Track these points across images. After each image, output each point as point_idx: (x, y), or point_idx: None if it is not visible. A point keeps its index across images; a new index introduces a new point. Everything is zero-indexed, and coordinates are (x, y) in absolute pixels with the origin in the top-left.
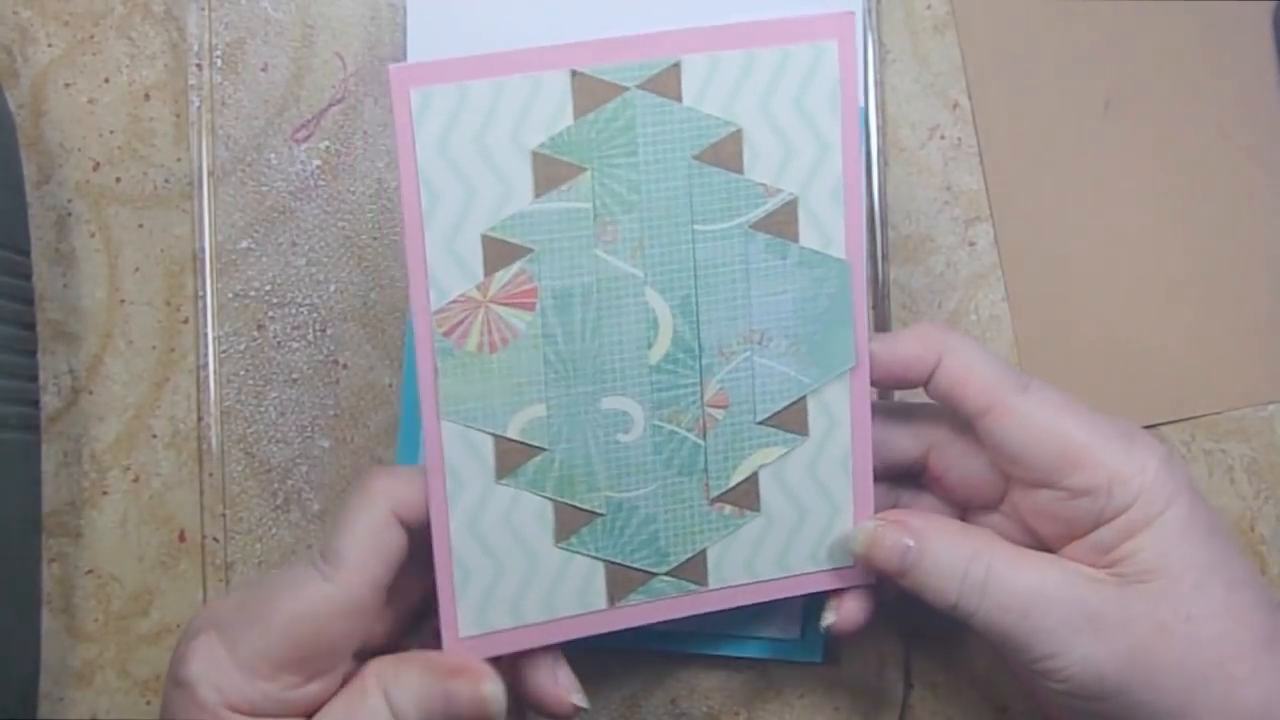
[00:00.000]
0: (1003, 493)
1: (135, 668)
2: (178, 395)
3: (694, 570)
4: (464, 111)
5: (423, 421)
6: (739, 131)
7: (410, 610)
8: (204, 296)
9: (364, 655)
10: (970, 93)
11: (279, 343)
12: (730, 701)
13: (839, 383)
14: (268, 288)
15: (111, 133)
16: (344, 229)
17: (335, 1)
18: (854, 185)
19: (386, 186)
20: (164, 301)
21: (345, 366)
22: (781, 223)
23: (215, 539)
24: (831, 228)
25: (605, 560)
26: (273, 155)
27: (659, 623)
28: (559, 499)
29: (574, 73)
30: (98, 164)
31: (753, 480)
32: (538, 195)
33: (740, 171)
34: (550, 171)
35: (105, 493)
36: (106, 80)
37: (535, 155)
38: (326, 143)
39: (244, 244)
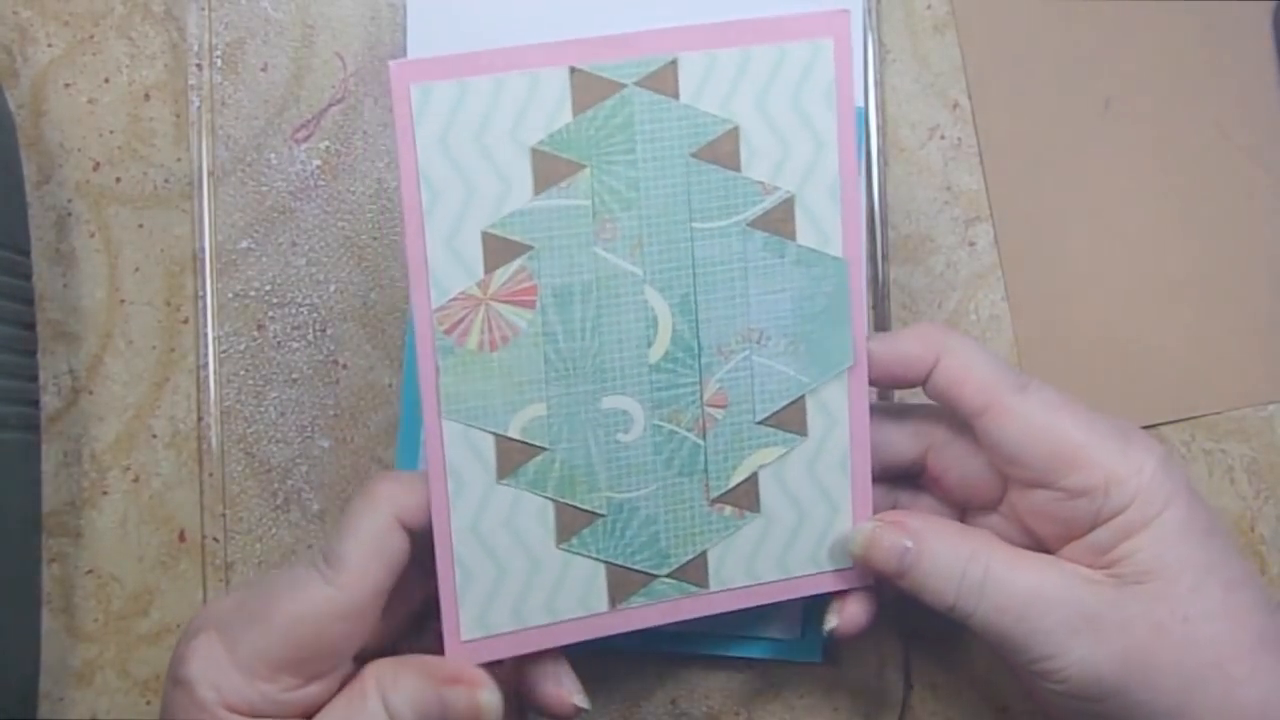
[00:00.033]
0: (1001, 493)
1: (135, 668)
2: (178, 395)
3: (695, 572)
4: (464, 108)
5: (424, 421)
6: (736, 129)
7: (411, 613)
8: (204, 296)
9: (364, 657)
10: (970, 93)
11: (279, 343)
12: (730, 701)
13: (837, 382)
14: (268, 288)
15: (111, 133)
16: (344, 229)
17: (335, 1)
18: (851, 184)
19: (386, 186)
20: (164, 301)
21: (345, 366)
22: (779, 221)
23: (215, 539)
24: (829, 226)
25: (606, 562)
26: (273, 155)
27: (660, 625)
28: (560, 499)
29: (573, 69)
30: (98, 164)
31: (752, 481)
32: (537, 192)
33: (737, 169)
34: (549, 168)
35: (105, 493)
36: (106, 80)
37: (535, 152)
38: (326, 143)
39: (244, 244)
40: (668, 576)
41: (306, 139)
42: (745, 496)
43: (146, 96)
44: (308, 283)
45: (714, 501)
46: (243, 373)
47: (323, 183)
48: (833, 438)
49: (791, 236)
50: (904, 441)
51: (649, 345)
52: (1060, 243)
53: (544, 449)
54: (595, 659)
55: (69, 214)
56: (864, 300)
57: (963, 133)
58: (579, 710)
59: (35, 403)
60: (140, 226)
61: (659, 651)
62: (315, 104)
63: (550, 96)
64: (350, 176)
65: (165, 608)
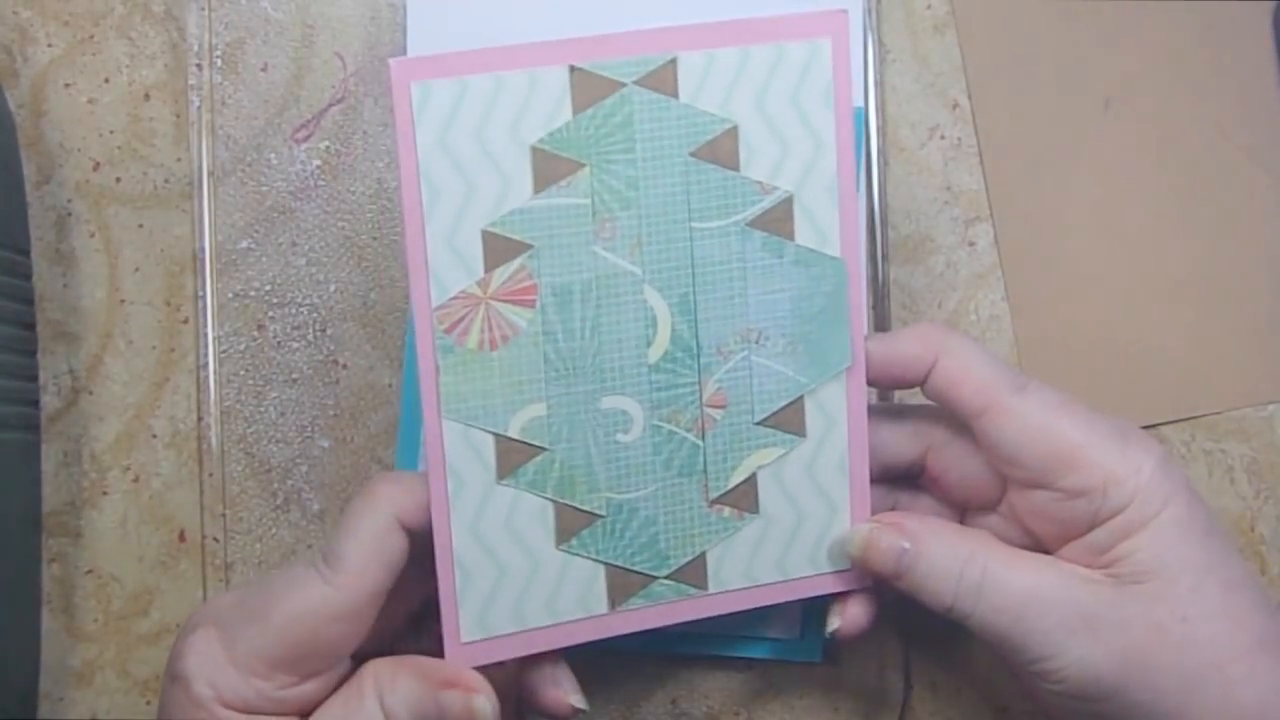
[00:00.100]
0: (1001, 493)
1: (135, 668)
2: (178, 395)
3: (694, 574)
4: (464, 106)
5: (424, 420)
6: (735, 128)
7: (410, 613)
8: (204, 296)
9: (363, 656)
10: (970, 93)
11: (279, 343)
12: (730, 701)
13: (835, 383)
14: (268, 288)
15: (111, 133)
16: (344, 229)
17: (335, 1)
18: (849, 184)
19: (386, 186)
20: (164, 301)
21: (345, 366)
22: (777, 220)
23: (215, 539)
24: (827, 226)
25: (606, 563)
26: (273, 155)
27: (659, 626)
28: (560, 500)
29: (572, 68)
30: (98, 164)
31: (751, 482)
32: (537, 191)
33: (736, 169)
34: (549, 167)
35: (105, 493)
36: (106, 80)
37: (534, 150)
38: (326, 143)
39: (244, 244)
40: (667, 578)
41: (306, 139)
42: (744, 497)
43: (146, 96)
44: (308, 283)
45: (713, 502)
46: (243, 373)
47: (323, 183)
48: (831, 438)
49: (790, 236)
50: (903, 442)
51: (648, 345)
52: (1060, 243)
53: (544, 449)
54: (595, 659)
55: (69, 214)
56: (863, 300)
57: (963, 133)
58: (577, 711)
59: (35, 403)
60: (140, 226)
61: (659, 652)
62: (315, 104)
63: (550, 95)
64: (350, 176)
65: (165, 608)
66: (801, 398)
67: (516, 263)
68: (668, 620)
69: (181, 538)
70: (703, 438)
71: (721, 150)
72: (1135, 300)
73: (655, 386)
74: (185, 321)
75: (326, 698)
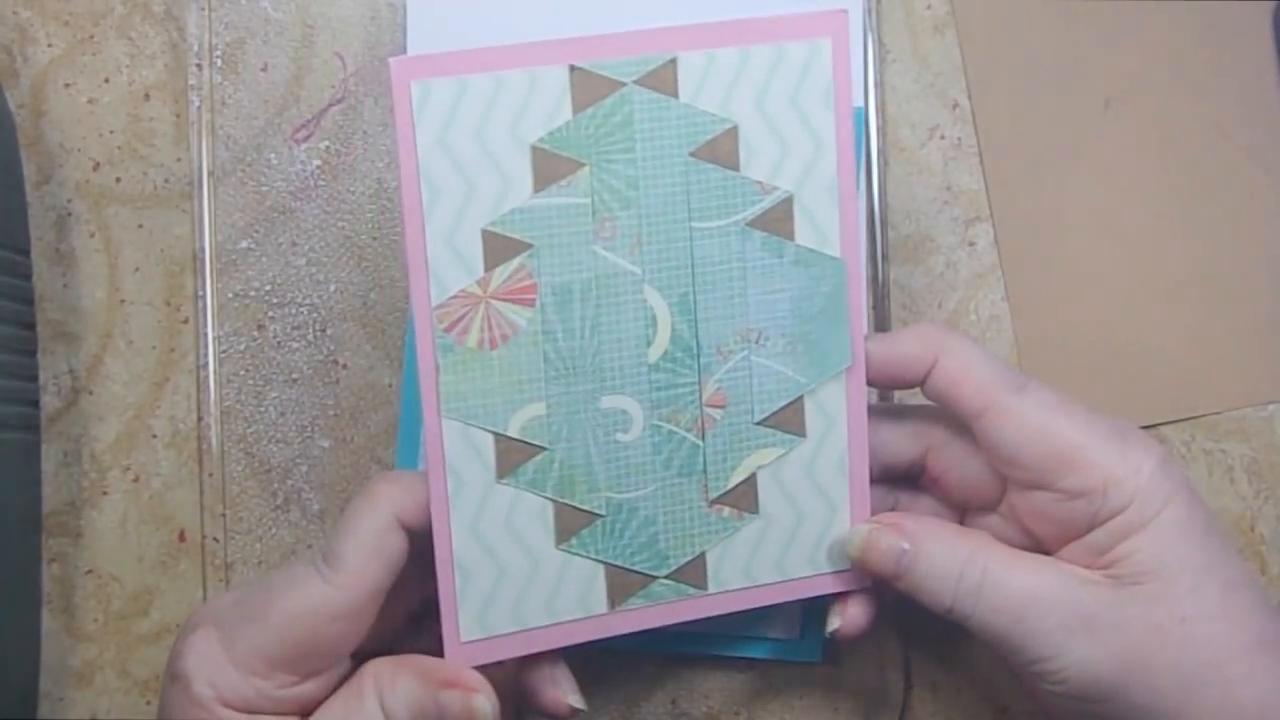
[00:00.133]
0: (1001, 494)
1: (135, 668)
2: (178, 395)
3: (693, 574)
4: (464, 105)
5: (424, 419)
6: (735, 128)
7: (410, 612)
8: (204, 296)
9: (363, 656)
10: (970, 93)
11: (279, 343)
12: (730, 701)
13: (835, 383)
14: (268, 288)
15: (111, 133)
16: (344, 229)
17: (335, 1)
18: (849, 184)
19: (386, 186)
20: (164, 301)
21: (345, 366)
22: (777, 220)
23: (215, 539)
24: (827, 226)
25: (605, 563)
26: (273, 155)
27: (658, 626)
28: (559, 499)
29: (572, 68)
30: (98, 164)
31: (751, 482)
32: (537, 190)
33: (736, 168)
34: (549, 166)
35: (105, 493)
36: (106, 80)
37: (534, 150)
38: (326, 143)
39: (244, 244)
40: (666, 578)
41: (306, 139)
42: (744, 497)
43: (146, 96)
44: (308, 283)
45: (713, 502)
46: (243, 373)
47: (323, 183)
48: (831, 438)
49: (790, 236)
50: (903, 442)
51: (648, 345)
52: (1060, 243)
53: (543, 448)
54: (595, 659)
55: (69, 214)
56: (863, 301)
57: (963, 133)
58: (575, 711)
59: (35, 403)
60: (140, 226)
61: (659, 651)
62: (315, 104)
63: (550, 94)
64: (350, 176)
65: (165, 608)
66: (801, 398)
67: (516, 262)
68: (667, 620)
69: (181, 538)
70: (702, 437)
71: (721, 150)
72: (1135, 300)
73: (655, 386)
74: (185, 321)
75: (327, 697)
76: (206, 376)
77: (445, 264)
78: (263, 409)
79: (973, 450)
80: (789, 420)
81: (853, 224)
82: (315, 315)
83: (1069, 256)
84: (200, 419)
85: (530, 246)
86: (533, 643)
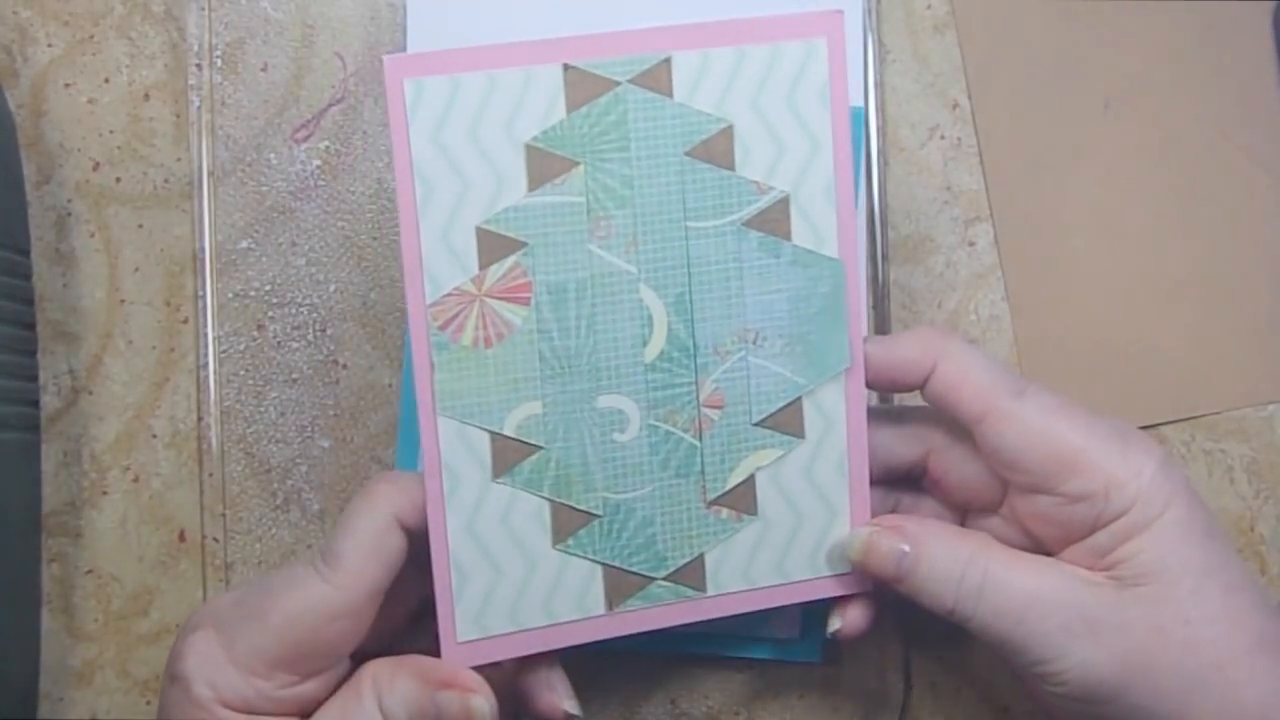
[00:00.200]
0: (1002, 496)
1: (135, 668)
2: (178, 395)
3: (692, 575)
4: (457, 103)
5: (419, 417)
6: (730, 128)
7: (410, 612)
8: (204, 296)
9: (362, 656)
10: (970, 93)
11: (279, 343)
12: (730, 701)
13: (834, 384)
14: (268, 288)
15: (111, 133)
16: (344, 229)
17: (335, 1)
18: (846, 184)
19: (386, 186)
20: (164, 301)
21: (345, 366)
22: (774, 221)
23: (215, 539)
24: (824, 227)
25: (603, 563)
26: (273, 155)
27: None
28: (556, 499)
29: (566, 66)
30: (98, 164)
31: (749, 483)
32: (531, 188)
33: (732, 168)
34: (543, 165)
35: (105, 493)
36: (106, 80)
37: (529, 148)
38: (326, 143)
39: (244, 244)
40: (665, 579)
41: (306, 139)
42: (742, 499)
43: (146, 96)
44: (308, 283)
45: (711, 504)
46: (243, 373)
47: (323, 183)
48: (830, 440)
49: (787, 237)
50: (904, 444)
51: (644, 344)
52: (1060, 243)
53: (539, 448)
54: (595, 659)
55: (69, 214)
56: (862, 302)
57: (963, 133)
58: (570, 717)
59: (35, 403)
60: (140, 226)
61: (658, 652)
62: (315, 104)
63: (544, 93)
64: (350, 176)
65: (165, 608)
66: (800, 399)
67: (511, 260)
68: (665, 622)
69: (181, 538)
70: (700, 438)
71: (717, 150)
72: (1135, 300)
73: (652, 386)
74: (185, 321)
75: (326, 698)
76: (206, 376)
77: (440, 262)
78: (263, 409)
79: (974, 453)
80: (787, 421)
81: (851, 225)
82: (315, 315)
83: (1069, 256)
84: (200, 419)
85: (525, 245)
86: (530, 643)
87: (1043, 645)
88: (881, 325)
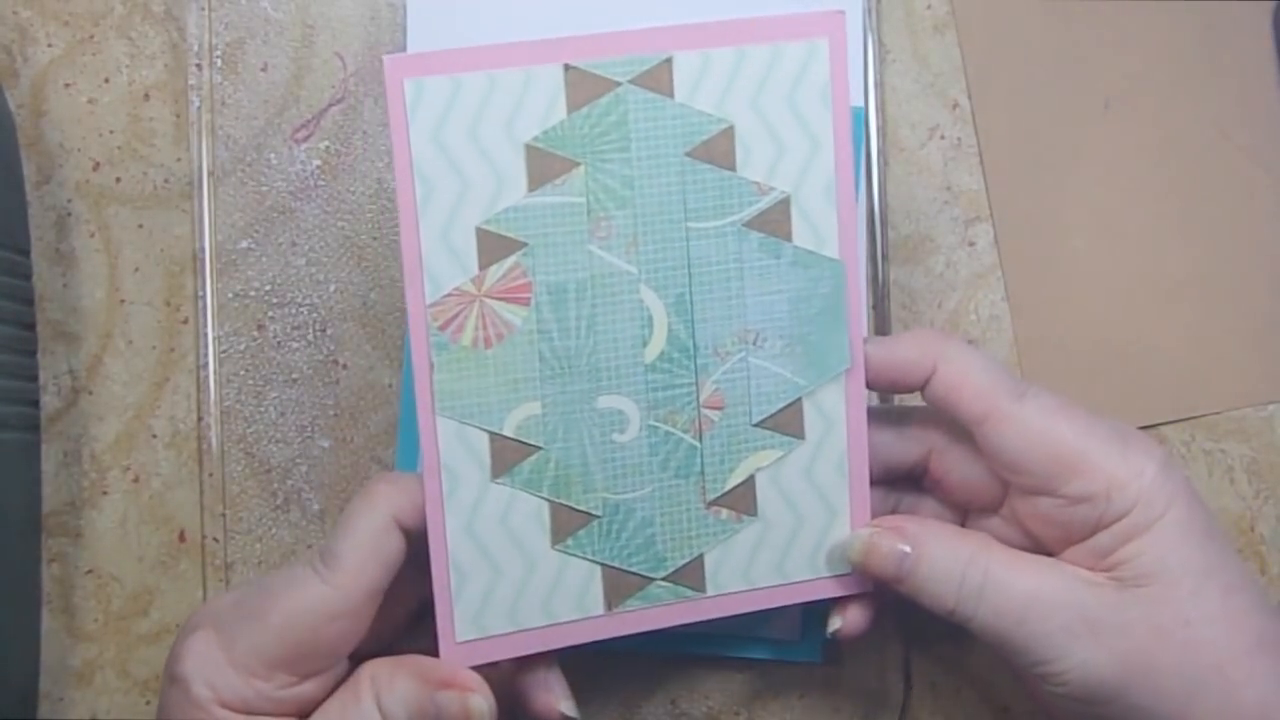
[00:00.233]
0: (1003, 496)
1: (135, 668)
2: (178, 395)
3: (691, 576)
4: (458, 103)
5: (418, 417)
6: (731, 128)
7: (409, 613)
8: (204, 296)
9: (361, 656)
10: (970, 93)
11: (279, 343)
12: (730, 701)
13: (834, 385)
14: (268, 288)
15: (111, 133)
16: (344, 229)
17: (335, 1)
18: (847, 185)
19: (386, 186)
20: (164, 301)
21: (345, 366)
22: (774, 221)
23: (215, 539)
24: (824, 227)
25: (602, 564)
26: (273, 155)
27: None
28: (555, 500)
29: (567, 67)
30: (98, 164)
31: (749, 484)
32: (531, 189)
33: (732, 169)
34: (544, 165)
35: (105, 493)
36: (106, 80)
37: (529, 148)
38: (326, 143)
39: (244, 244)
40: (664, 580)
41: (306, 139)
42: (742, 500)
43: (146, 96)
44: (308, 283)
45: (710, 504)
46: (243, 373)
47: (323, 183)
48: (830, 441)
49: (788, 237)
50: (905, 445)
51: (644, 345)
52: (1060, 243)
53: (539, 448)
54: (594, 659)
55: (69, 214)
56: (862, 302)
57: (963, 133)
58: (566, 718)
59: (35, 403)
60: (140, 226)
61: (658, 652)
62: (315, 104)
63: (544, 93)
64: (350, 176)
65: (165, 608)
66: (800, 400)
67: (511, 260)
68: (665, 623)
69: (181, 538)
70: (700, 439)
71: (717, 150)
72: (1135, 300)
73: (651, 386)
74: (185, 321)
75: (325, 698)
76: (206, 376)
77: (440, 262)
78: (263, 409)
79: (974, 453)
80: (787, 422)
81: (851, 225)
82: (315, 315)
83: (1069, 256)
84: (200, 419)
85: (525, 245)
86: (529, 644)
87: (1044, 646)
88: (881, 325)
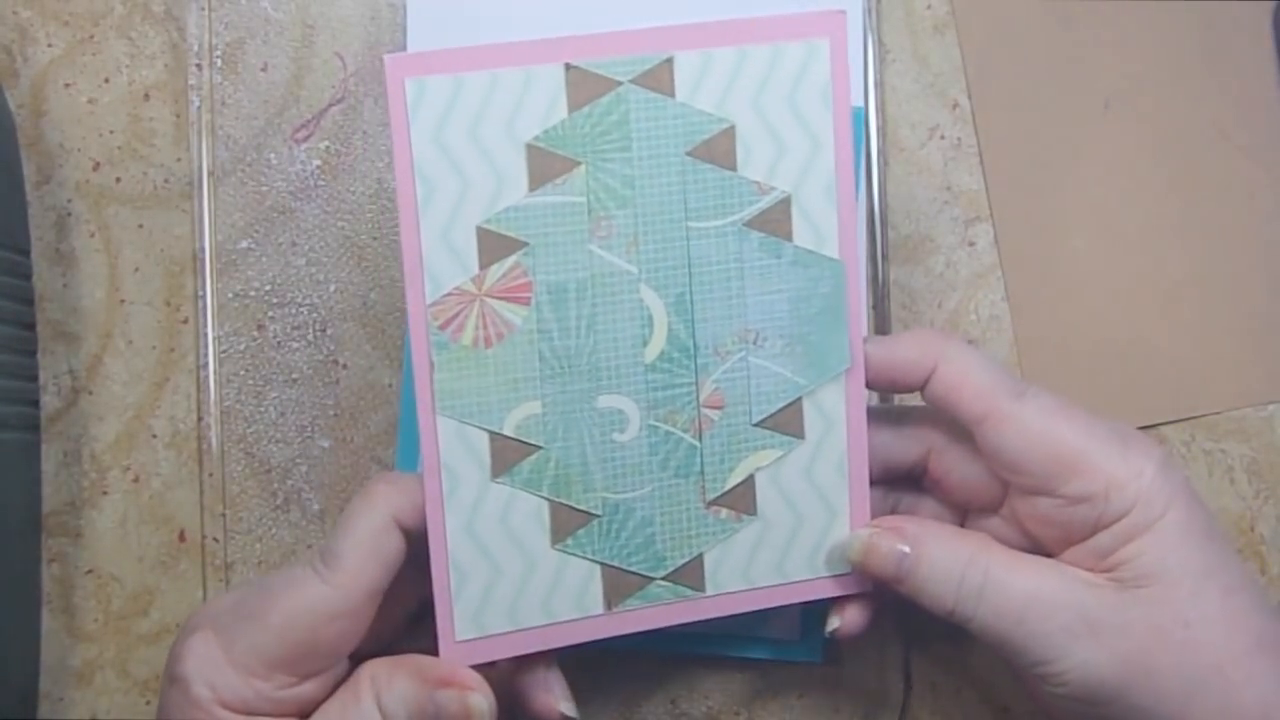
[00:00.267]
0: (1003, 496)
1: (135, 668)
2: (178, 395)
3: (691, 575)
4: (458, 103)
5: (418, 417)
6: (731, 128)
7: (409, 613)
8: (204, 296)
9: (361, 656)
10: (970, 93)
11: (279, 343)
12: (730, 701)
13: (834, 385)
14: (268, 288)
15: (111, 133)
16: (344, 229)
17: (335, 1)
18: (847, 185)
19: (386, 186)
20: (164, 301)
21: (345, 366)
22: (775, 221)
23: (215, 539)
24: (825, 227)
25: (602, 563)
26: (273, 155)
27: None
28: (555, 499)
29: (568, 66)
30: (98, 164)
31: (749, 483)
32: (532, 188)
33: (733, 168)
34: (545, 164)
35: (105, 493)
36: (106, 80)
37: (530, 148)
38: (326, 143)
39: (244, 244)
40: (664, 579)
41: (306, 139)
42: (742, 499)
43: (146, 96)
44: (308, 283)
45: (710, 504)
46: (243, 373)
47: (323, 183)
48: (830, 441)
49: (788, 237)
50: (905, 444)
51: (644, 344)
52: (1060, 243)
53: (539, 448)
54: (594, 659)
55: (69, 214)
56: (862, 302)
57: (963, 133)
58: (565, 718)
59: (35, 403)
60: (140, 226)
61: (658, 651)
62: (315, 104)
63: (545, 93)
64: (350, 176)
65: (165, 608)
66: (800, 399)
67: (511, 260)
68: (664, 622)
69: (181, 538)
70: (700, 438)
71: (718, 150)
72: (1135, 300)
73: (652, 386)
74: (185, 321)
75: (325, 698)
76: (206, 376)
77: (440, 261)
78: (263, 409)
79: (974, 453)
80: (787, 422)
81: (851, 225)
82: (315, 315)
83: (1069, 256)
84: (200, 419)
85: (525, 245)
86: (528, 643)
87: (1043, 646)
88: (881, 325)
